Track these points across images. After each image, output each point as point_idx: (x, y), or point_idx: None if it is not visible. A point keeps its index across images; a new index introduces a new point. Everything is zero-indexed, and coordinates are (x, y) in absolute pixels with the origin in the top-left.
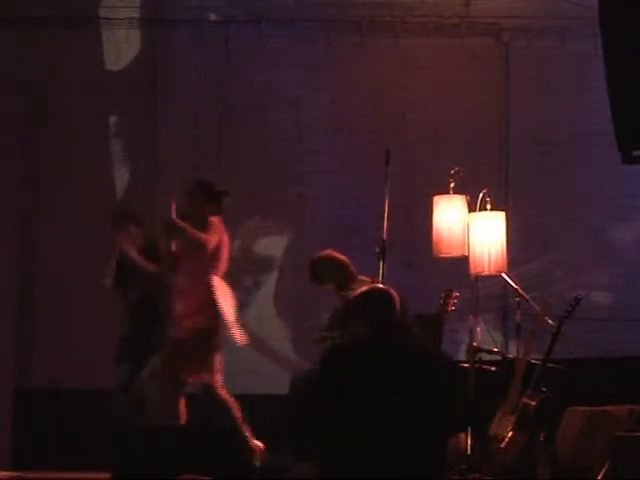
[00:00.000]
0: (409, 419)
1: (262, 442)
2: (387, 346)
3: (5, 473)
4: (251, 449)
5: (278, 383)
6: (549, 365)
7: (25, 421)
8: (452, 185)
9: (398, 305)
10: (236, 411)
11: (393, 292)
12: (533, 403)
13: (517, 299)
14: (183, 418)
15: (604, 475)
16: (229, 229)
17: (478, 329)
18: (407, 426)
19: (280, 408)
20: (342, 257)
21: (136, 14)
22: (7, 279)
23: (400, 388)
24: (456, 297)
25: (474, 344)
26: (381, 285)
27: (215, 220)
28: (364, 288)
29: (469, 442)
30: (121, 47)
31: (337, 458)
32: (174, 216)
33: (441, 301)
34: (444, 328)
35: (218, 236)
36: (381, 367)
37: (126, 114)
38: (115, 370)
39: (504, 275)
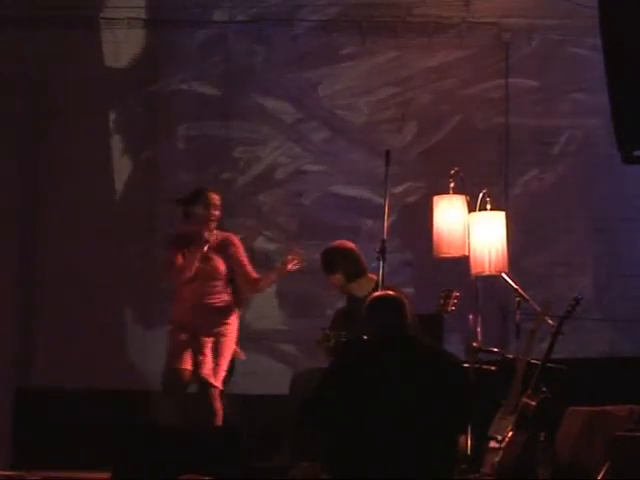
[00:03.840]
0: (420, 418)
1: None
2: (399, 346)
3: (5, 473)
4: None
5: (278, 383)
6: (549, 365)
7: (25, 421)
8: (452, 185)
9: (409, 309)
10: None
11: (404, 298)
12: (533, 403)
13: (517, 299)
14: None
15: (604, 475)
16: (228, 228)
17: (478, 329)
18: (417, 425)
19: (281, 408)
20: (355, 248)
21: (136, 14)
22: (7, 279)
23: (412, 387)
24: (456, 297)
25: (474, 344)
26: (391, 291)
27: None
28: (378, 293)
29: (469, 442)
30: (121, 47)
31: (346, 456)
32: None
33: (441, 301)
34: (444, 328)
35: None
36: (393, 367)
37: (126, 114)
38: None
39: (504, 275)
